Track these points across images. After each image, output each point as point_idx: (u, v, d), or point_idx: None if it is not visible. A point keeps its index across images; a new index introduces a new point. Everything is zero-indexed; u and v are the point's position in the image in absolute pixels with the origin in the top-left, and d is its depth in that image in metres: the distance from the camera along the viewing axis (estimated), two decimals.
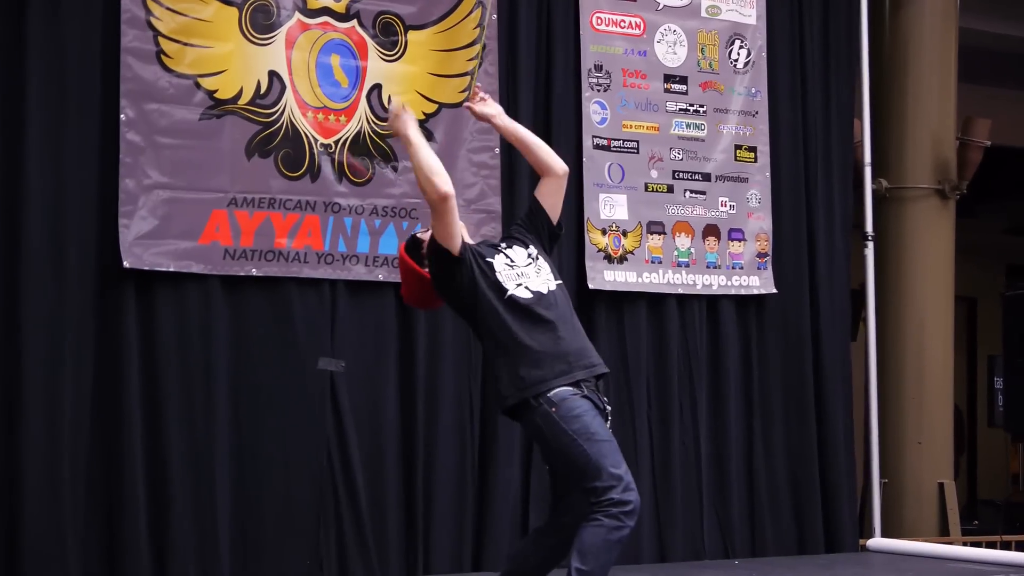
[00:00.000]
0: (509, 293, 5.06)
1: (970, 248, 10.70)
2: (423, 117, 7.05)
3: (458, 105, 7.12)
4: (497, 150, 7.25)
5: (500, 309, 5.04)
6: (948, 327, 9.10)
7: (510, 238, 5.32)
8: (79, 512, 6.24)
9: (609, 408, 5.06)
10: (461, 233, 5.11)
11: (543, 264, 5.20)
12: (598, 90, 7.65)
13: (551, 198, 5.34)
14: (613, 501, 4.84)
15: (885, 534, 8.35)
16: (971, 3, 9.49)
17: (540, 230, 5.31)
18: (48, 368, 6.21)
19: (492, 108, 5.43)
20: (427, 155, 5.12)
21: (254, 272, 6.63)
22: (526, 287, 5.08)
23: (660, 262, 7.78)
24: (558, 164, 5.36)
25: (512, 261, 5.15)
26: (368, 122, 6.93)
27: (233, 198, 6.59)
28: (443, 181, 5.04)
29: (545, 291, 5.11)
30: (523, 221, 5.37)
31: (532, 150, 5.39)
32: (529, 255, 5.20)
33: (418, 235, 5.26)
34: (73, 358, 6.26)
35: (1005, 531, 9.54)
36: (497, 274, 5.09)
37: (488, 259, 5.12)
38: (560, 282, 5.20)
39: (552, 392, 4.96)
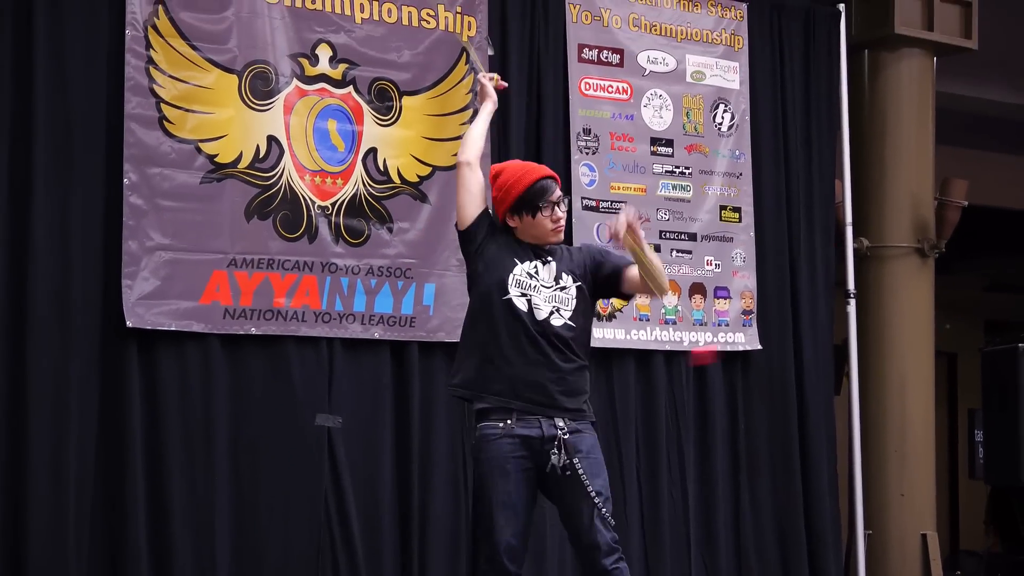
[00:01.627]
0: (508, 296, 5.09)
1: (949, 305, 10.79)
2: (417, 180, 7.17)
3: (451, 168, 7.22)
4: (489, 209, 7.31)
5: (494, 302, 5.08)
6: (929, 381, 9.16)
7: (557, 262, 5.22)
8: (83, 565, 6.26)
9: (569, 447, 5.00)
10: (475, 213, 5.20)
11: (567, 299, 5.16)
12: (587, 153, 7.77)
13: (630, 287, 5.27)
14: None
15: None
16: (947, 68, 9.62)
17: (600, 279, 5.25)
18: (53, 424, 6.24)
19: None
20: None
21: (253, 331, 6.69)
22: (529, 300, 5.10)
23: (648, 319, 7.87)
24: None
25: (535, 273, 5.16)
26: (364, 185, 7.02)
27: (233, 259, 6.66)
28: (464, 149, 5.31)
29: (541, 318, 5.08)
30: (589, 263, 5.27)
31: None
32: (558, 281, 5.18)
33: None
34: (78, 415, 6.30)
35: None
36: (509, 274, 5.11)
37: (511, 257, 5.13)
38: (573, 325, 5.12)
39: (479, 424, 5.05)
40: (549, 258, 5.21)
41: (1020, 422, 9.13)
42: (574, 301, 5.17)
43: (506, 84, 5.70)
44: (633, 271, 5.18)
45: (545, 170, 5.32)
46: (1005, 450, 9.26)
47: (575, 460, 5.00)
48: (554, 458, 4.99)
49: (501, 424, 5.05)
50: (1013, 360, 9.28)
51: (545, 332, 5.08)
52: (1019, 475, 9.17)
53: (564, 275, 5.19)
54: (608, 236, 5.07)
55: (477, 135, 5.39)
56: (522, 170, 5.28)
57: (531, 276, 5.14)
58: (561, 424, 5.03)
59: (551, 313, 5.11)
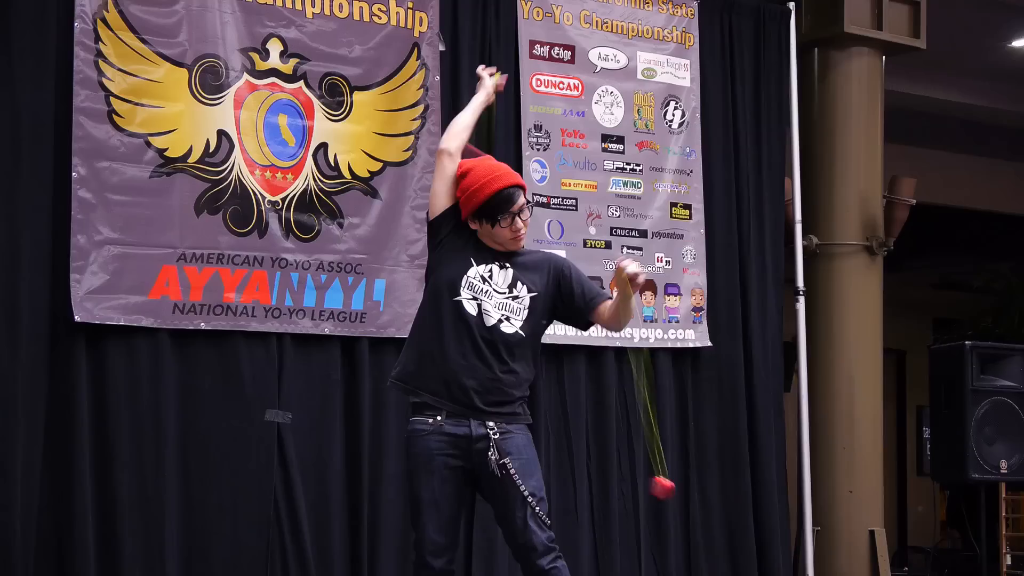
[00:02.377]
0: (459, 298, 5.06)
1: (898, 302, 10.83)
2: (367, 175, 7.13)
3: (402, 164, 7.21)
4: None
5: (443, 302, 5.07)
6: (877, 379, 9.20)
7: (515, 269, 5.18)
8: (29, 560, 6.19)
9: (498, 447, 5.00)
10: (444, 205, 5.16)
11: (519, 308, 5.12)
12: (538, 149, 7.75)
13: (597, 319, 5.25)
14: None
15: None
16: (896, 67, 9.66)
17: (561, 303, 5.22)
18: (1, 417, 6.18)
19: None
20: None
21: (203, 326, 6.64)
22: (479, 305, 5.06)
23: None
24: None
25: (489, 278, 5.13)
26: (314, 180, 6.98)
27: (182, 254, 6.60)
28: (447, 138, 5.30)
29: (491, 323, 5.06)
30: (554, 278, 5.22)
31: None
32: (512, 289, 5.14)
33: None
34: (25, 411, 6.22)
35: None
36: (463, 275, 5.08)
37: (468, 257, 5.10)
38: (522, 334, 5.09)
39: (412, 419, 5.07)
40: (507, 263, 5.16)
41: (967, 420, 9.14)
42: (525, 311, 5.12)
43: (503, 83, 5.64)
44: (606, 306, 5.17)
45: (511, 177, 5.21)
46: (952, 447, 9.27)
47: (506, 460, 4.98)
48: (492, 457, 4.98)
49: (431, 420, 5.04)
50: (960, 358, 9.30)
51: (492, 338, 5.05)
52: (966, 472, 9.19)
53: (520, 284, 5.15)
54: (618, 272, 4.98)
55: (462, 126, 5.34)
56: (489, 175, 5.16)
57: (484, 280, 5.10)
58: (491, 424, 5.02)
59: (500, 320, 5.08)
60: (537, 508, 4.98)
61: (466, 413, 5.03)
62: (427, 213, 5.30)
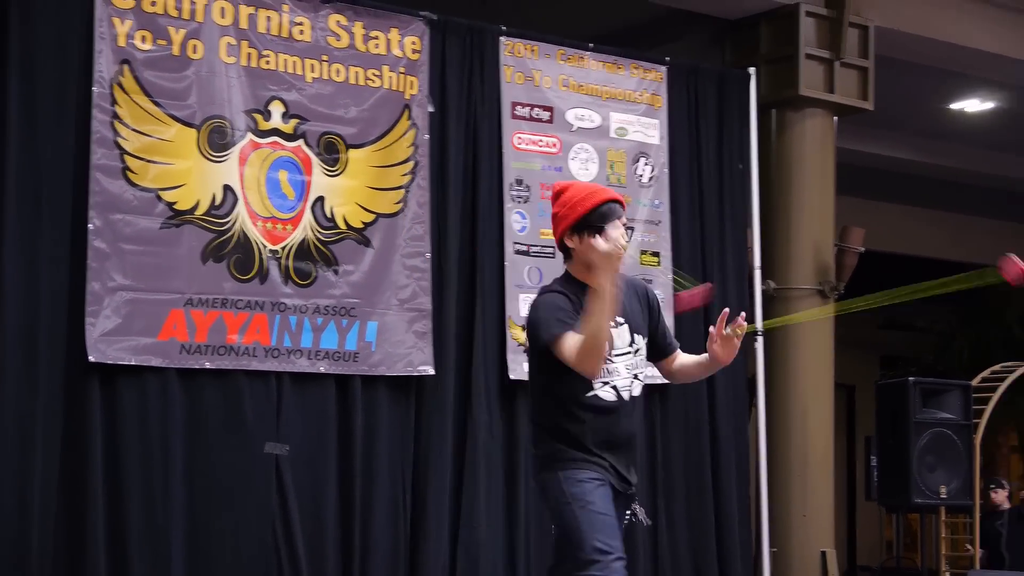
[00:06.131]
0: (593, 393, 4.42)
1: (848, 341, 10.79)
2: (361, 226, 7.07)
3: (393, 215, 7.15)
4: (428, 255, 7.26)
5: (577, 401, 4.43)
6: (829, 411, 9.16)
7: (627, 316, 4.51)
8: None
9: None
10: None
11: (640, 359, 4.55)
12: (519, 201, 7.70)
13: (669, 369, 4.75)
14: None
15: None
16: (847, 127, 9.65)
17: (657, 330, 4.67)
18: (19, 453, 6.12)
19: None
20: (605, 325, 4.26)
21: (208, 365, 6.58)
22: (612, 386, 4.46)
23: None
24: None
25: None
26: (312, 230, 6.92)
27: (189, 299, 6.55)
28: (600, 365, 4.33)
29: (628, 397, 4.47)
30: (656, 312, 4.60)
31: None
32: (633, 344, 4.53)
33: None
34: (43, 444, 6.16)
35: None
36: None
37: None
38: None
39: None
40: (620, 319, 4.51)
41: (910, 448, 9.11)
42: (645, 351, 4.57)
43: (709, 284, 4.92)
44: (678, 357, 4.71)
45: (613, 192, 4.56)
46: (897, 474, 9.25)
47: None
48: None
49: None
50: (904, 392, 9.28)
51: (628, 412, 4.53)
52: (909, 497, 9.17)
53: (636, 334, 4.56)
54: (737, 328, 4.48)
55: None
56: (590, 189, 4.57)
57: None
58: None
59: (630, 383, 4.55)
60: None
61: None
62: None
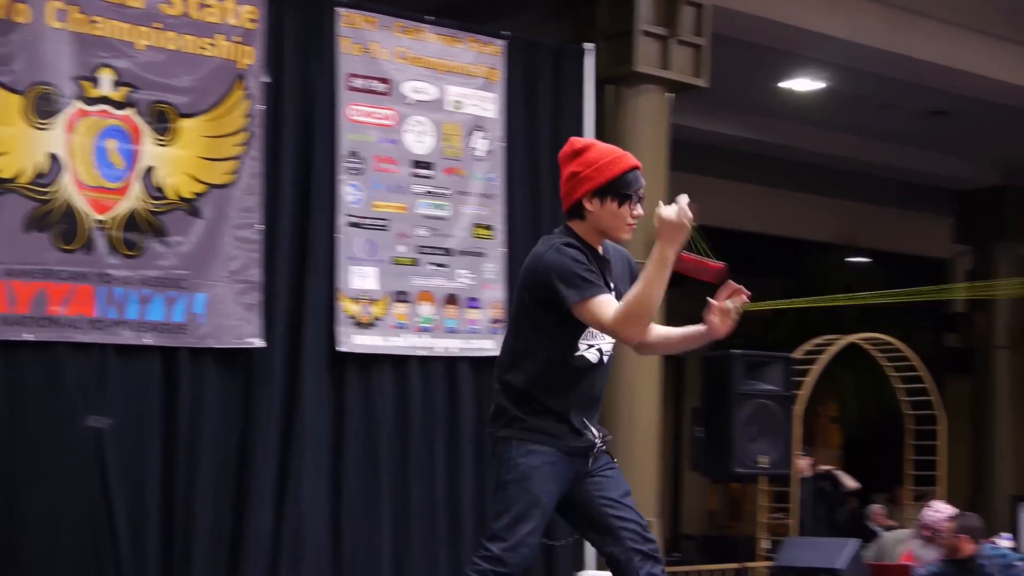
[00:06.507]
0: (579, 354, 4.39)
1: (679, 314, 10.93)
2: (192, 196, 6.94)
3: (225, 186, 7.03)
4: (259, 226, 7.15)
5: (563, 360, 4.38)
6: (655, 384, 9.26)
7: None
8: None
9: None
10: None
11: None
12: (353, 173, 7.62)
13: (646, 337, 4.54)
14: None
15: (597, 566, 8.44)
16: (681, 103, 9.73)
17: None
18: None
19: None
20: (660, 295, 4.17)
21: (29, 337, 6.40)
22: (598, 348, 4.43)
23: (405, 327, 7.77)
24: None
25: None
26: (141, 200, 6.77)
27: (10, 269, 6.35)
28: (644, 332, 4.31)
29: (607, 359, 4.45)
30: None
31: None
32: None
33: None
34: None
35: (702, 561, 9.75)
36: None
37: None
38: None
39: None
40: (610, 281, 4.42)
41: (733, 420, 9.28)
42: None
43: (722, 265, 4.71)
44: (660, 329, 4.59)
45: (635, 159, 4.45)
46: (719, 444, 9.41)
47: None
48: None
49: None
50: (728, 364, 9.45)
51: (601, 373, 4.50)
52: (730, 467, 9.34)
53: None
54: (736, 293, 4.37)
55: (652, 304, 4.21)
56: (615, 152, 4.41)
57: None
58: None
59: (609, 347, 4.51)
60: None
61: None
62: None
